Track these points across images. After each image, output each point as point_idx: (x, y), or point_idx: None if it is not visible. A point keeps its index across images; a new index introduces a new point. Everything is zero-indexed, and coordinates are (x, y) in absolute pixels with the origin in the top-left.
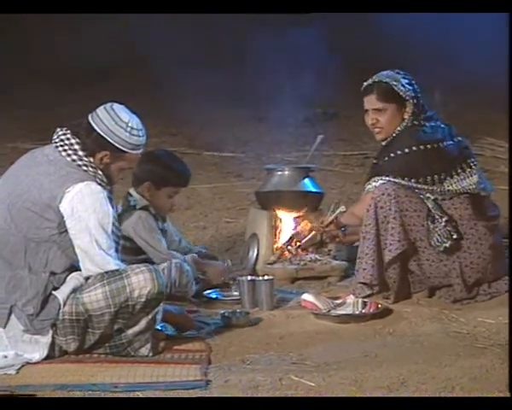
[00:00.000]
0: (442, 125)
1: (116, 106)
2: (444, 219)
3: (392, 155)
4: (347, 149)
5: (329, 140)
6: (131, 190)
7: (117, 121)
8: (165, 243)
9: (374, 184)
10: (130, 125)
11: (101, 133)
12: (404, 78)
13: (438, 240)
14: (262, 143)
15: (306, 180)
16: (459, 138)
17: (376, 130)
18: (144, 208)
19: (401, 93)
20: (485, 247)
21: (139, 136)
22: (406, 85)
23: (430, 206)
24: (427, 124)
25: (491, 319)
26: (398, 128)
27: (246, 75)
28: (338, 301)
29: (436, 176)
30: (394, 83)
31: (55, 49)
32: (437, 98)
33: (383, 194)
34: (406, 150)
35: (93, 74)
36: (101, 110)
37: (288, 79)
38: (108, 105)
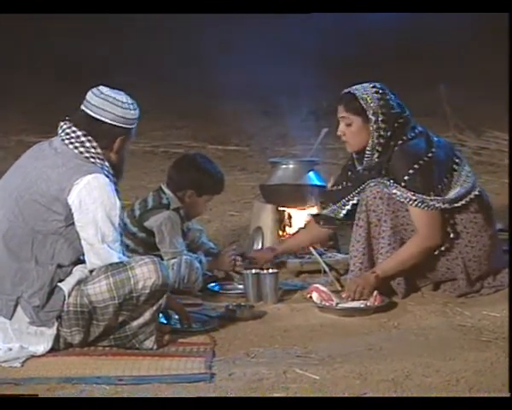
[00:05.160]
0: (421, 130)
1: (102, 89)
2: None
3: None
4: None
5: (334, 133)
6: (164, 188)
7: (118, 104)
8: (183, 244)
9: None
10: (125, 101)
11: (113, 123)
12: (376, 92)
13: None
14: (266, 137)
15: (311, 174)
16: (436, 138)
17: (345, 142)
18: (176, 210)
19: (365, 107)
20: (486, 238)
21: (135, 108)
22: (375, 100)
23: None
24: (411, 134)
25: (496, 313)
26: (368, 148)
27: (250, 68)
28: (343, 295)
29: (442, 183)
30: (362, 96)
31: (58, 42)
32: (442, 92)
33: (375, 197)
34: (411, 171)
35: (96, 68)
36: (95, 100)
37: (292, 72)
38: (96, 92)
